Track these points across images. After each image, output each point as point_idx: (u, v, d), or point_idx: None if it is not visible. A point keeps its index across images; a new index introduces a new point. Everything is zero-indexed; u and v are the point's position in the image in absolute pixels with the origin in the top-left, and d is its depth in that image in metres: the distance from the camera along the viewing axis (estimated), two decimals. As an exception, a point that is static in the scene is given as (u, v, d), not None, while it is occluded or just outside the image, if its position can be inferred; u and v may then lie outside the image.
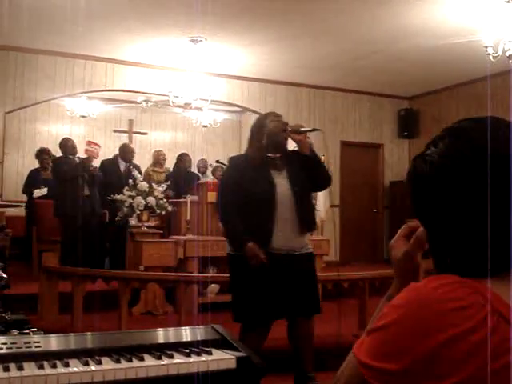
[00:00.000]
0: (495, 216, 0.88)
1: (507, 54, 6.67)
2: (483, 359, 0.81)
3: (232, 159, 4.12)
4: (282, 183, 3.81)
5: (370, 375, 0.89)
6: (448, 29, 7.31)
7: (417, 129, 11.11)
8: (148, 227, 6.93)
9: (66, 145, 7.89)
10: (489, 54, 6.73)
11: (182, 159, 9.43)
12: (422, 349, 0.84)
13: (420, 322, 0.86)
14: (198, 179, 8.98)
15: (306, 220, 3.88)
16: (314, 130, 4.03)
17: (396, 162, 11.21)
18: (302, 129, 3.86)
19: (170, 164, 9.93)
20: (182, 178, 8.74)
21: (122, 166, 8.48)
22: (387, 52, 8.43)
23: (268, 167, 3.86)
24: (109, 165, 8.52)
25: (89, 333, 1.95)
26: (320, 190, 4.90)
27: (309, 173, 3.85)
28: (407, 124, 11.12)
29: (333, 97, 10.67)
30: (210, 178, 9.32)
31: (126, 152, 8.61)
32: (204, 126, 11.29)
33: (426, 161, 0.97)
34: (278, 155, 3.89)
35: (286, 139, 3.90)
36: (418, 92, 10.92)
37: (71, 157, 7.78)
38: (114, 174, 8.23)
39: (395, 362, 0.86)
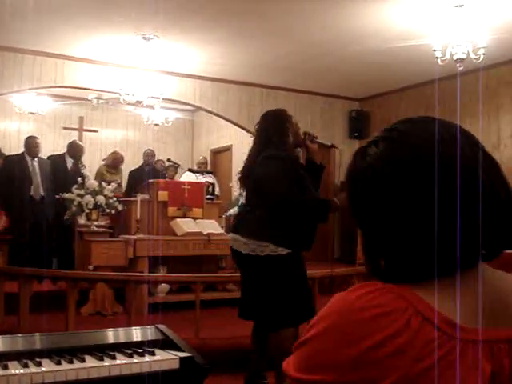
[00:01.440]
0: (424, 223, 0.89)
1: (455, 57, 6.82)
2: (409, 362, 0.82)
3: (283, 156, 3.71)
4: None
5: None
6: (398, 32, 7.42)
7: (367, 130, 11.24)
8: (97, 226, 6.84)
9: (29, 144, 7.74)
10: (437, 57, 6.87)
11: (148, 155, 9.43)
12: (348, 357, 0.85)
13: (344, 331, 0.87)
14: (164, 177, 8.96)
15: None
16: (332, 146, 4.15)
17: (347, 162, 10.82)
18: (319, 140, 3.97)
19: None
20: (145, 175, 8.68)
21: (70, 163, 8.33)
22: (339, 54, 8.51)
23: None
24: (56, 161, 8.35)
25: (32, 334, 1.91)
26: None
27: (313, 181, 3.88)
28: (358, 125, 11.24)
29: (285, 97, 10.71)
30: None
31: (74, 149, 8.45)
32: (156, 125, 11.23)
33: (366, 161, 0.97)
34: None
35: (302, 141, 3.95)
36: (369, 94, 11.06)
37: (26, 156, 7.65)
38: (61, 171, 8.07)
39: (324, 373, 0.87)
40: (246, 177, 3.86)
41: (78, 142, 8.88)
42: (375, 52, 8.27)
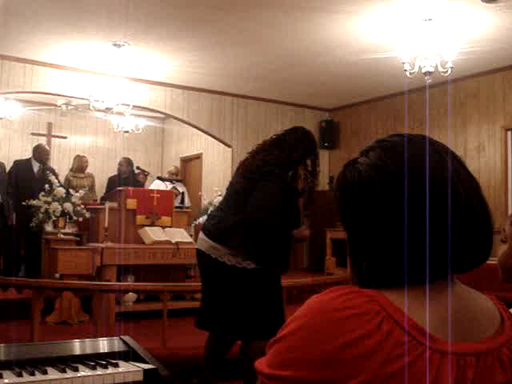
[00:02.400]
0: (409, 231, 0.92)
1: (423, 70, 6.92)
2: (378, 363, 0.85)
3: (279, 174, 3.59)
4: None
5: None
6: (368, 44, 7.50)
7: (337, 140, 11.32)
8: (65, 234, 6.76)
9: None
10: (406, 70, 6.96)
11: (122, 164, 9.37)
12: (319, 355, 0.87)
13: (317, 330, 0.89)
14: (142, 185, 8.91)
15: None
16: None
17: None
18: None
19: (91, 169, 9.78)
20: (119, 183, 8.62)
21: (36, 167, 8.19)
22: (309, 64, 8.57)
23: None
24: (22, 165, 8.21)
25: (-7, 344, 1.88)
26: None
27: None
28: (328, 135, 11.31)
29: (256, 106, 10.75)
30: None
31: (40, 153, 8.29)
32: (126, 132, 11.14)
33: (355, 169, 1.00)
34: None
35: None
36: (339, 104, 11.15)
37: None
38: (27, 176, 7.93)
39: (296, 369, 0.88)
40: (251, 172, 3.66)
41: (43, 145, 8.71)
42: (345, 63, 8.35)
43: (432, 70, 6.89)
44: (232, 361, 4.04)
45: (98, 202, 8.23)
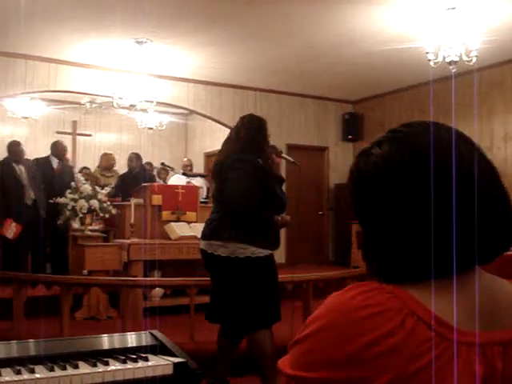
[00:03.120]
0: (425, 225, 0.89)
1: (447, 60, 6.84)
2: (404, 361, 0.83)
3: (253, 160, 3.81)
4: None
5: None
6: (391, 34, 7.44)
7: (361, 132, 11.27)
8: (91, 231, 6.82)
9: (14, 149, 7.68)
10: (430, 60, 6.89)
11: (132, 159, 9.34)
12: (343, 355, 0.86)
13: (339, 329, 0.87)
14: (153, 181, 8.90)
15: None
16: (293, 162, 4.49)
17: (341, 164, 11.33)
18: (283, 155, 4.24)
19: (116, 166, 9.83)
20: (131, 179, 8.64)
21: (55, 163, 8.26)
22: (332, 56, 8.53)
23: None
24: (42, 163, 8.29)
25: (26, 340, 1.91)
26: None
27: None
28: (351, 127, 11.26)
29: (278, 100, 10.73)
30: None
31: (58, 149, 8.36)
32: (150, 129, 11.21)
33: (370, 161, 0.98)
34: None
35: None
36: (362, 96, 11.08)
37: (12, 162, 7.59)
38: (48, 172, 8.01)
39: (319, 370, 0.87)
40: (218, 173, 3.92)
41: (60, 141, 8.75)
42: (368, 54, 8.28)
43: (456, 59, 6.81)
44: (244, 355, 4.07)
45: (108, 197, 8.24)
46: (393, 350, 0.84)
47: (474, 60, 6.78)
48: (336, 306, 0.91)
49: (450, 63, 6.86)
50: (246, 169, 3.71)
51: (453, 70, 6.97)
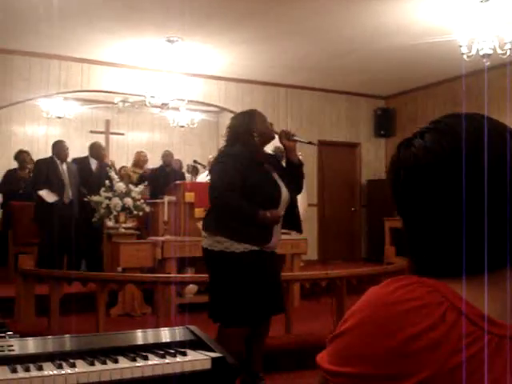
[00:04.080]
0: (470, 218, 0.88)
1: (481, 53, 6.75)
2: (445, 355, 0.82)
3: (231, 154, 3.81)
4: (281, 184, 3.83)
5: (335, 381, 0.89)
6: (423, 28, 7.37)
7: (393, 128, 11.18)
8: (125, 228, 6.89)
9: (59, 148, 7.82)
10: (463, 53, 6.81)
11: (167, 155, 9.41)
12: (383, 350, 0.85)
13: (379, 324, 0.86)
14: (183, 178, 8.94)
15: (296, 221, 3.97)
16: (309, 142, 4.06)
17: (373, 160, 11.27)
18: (296, 137, 3.92)
19: (148, 164, 9.91)
20: (161, 176, 8.69)
21: (94, 164, 8.39)
22: (363, 52, 8.48)
23: (266, 167, 3.88)
24: (81, 164, 8.41)
25: (64, 335, 1.93)
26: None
27: (292, 179, 3.90)
28: (384, 123, 11.19)
29: (310, 96, 10.70)
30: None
31: (97, 150, 8.49)
32: (181, 127, 11.27)
33: (410, 151, 0.96)
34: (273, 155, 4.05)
35: (272, 139, 4.01)
36: (395, 91, 11.00)
37: (56, 160, 7.73)
38: (86, 173, 8.14)
39: (358, 366, 0.86)
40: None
41: (99, 142, 8.88)
42: (400, 49, 8.22)
43: (490, 52, 6.71)
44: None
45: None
46: (434, 345, 0.83)
47: (509, 53, 6.68)
48: (376, 299, 0.90)
49: (484, 56, 6.76)
50: (225, 162, 3.74)
51: (486, 63, 6.88)
